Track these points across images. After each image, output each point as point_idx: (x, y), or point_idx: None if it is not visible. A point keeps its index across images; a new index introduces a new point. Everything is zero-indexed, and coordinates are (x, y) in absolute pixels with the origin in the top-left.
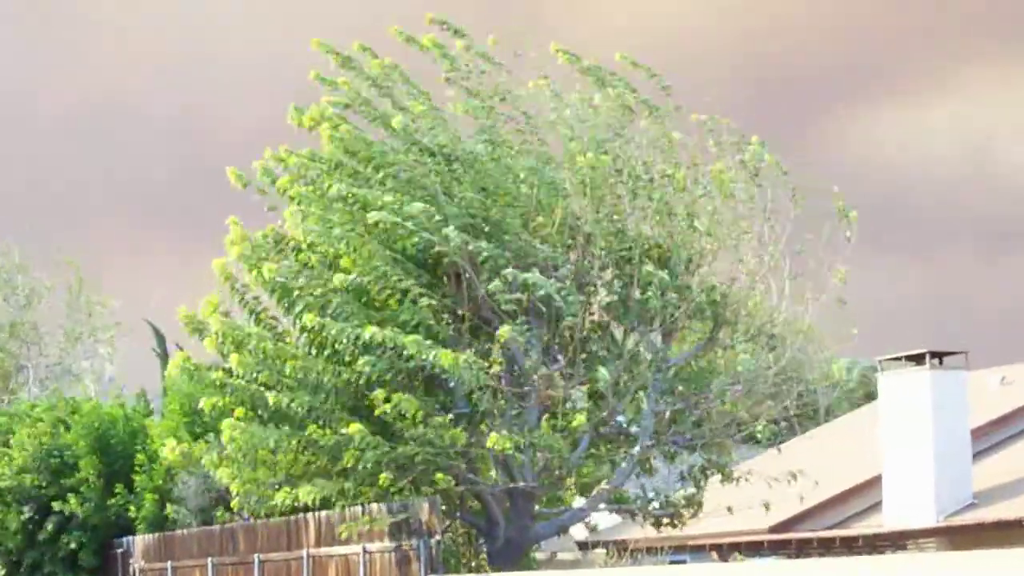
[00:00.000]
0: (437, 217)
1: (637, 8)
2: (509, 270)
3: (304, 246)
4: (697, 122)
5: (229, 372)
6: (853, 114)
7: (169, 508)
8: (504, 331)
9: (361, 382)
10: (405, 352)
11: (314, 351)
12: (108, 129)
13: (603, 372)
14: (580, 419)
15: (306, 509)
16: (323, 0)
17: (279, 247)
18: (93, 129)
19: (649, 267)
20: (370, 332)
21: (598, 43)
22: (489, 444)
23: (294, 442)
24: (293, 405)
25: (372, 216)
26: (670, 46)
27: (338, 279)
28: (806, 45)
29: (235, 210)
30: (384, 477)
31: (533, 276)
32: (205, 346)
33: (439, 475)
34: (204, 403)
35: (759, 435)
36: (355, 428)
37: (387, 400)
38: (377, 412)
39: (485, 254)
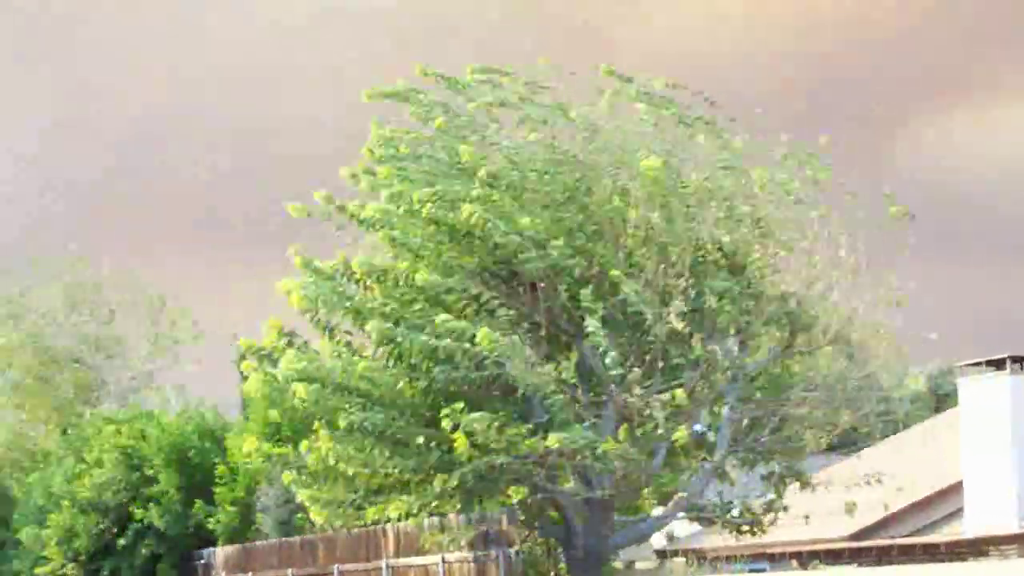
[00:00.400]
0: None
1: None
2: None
3: (373, 267)
4: (755, 137)
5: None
6: (930, 119)
7: (259, 517)
8: (594, 338)
9: (436, 389)
10: (479, 357)
11: (390, 363)
12: (179, 140)
13: (681, 392)
14: (681, 433)
15: (386, 520)
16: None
17: (349, 273)
18: (164, 138)
19: (721, 276)
20: (441, 321)
21: (655, 52)
22: (550, 443)
23: (375, 457)
24: (366, 424)
25: (465, 210)
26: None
27: (420, 277)
28: (883, 48)
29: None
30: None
31: (630, 284)
32: (282, 367)
33: (513, 487)
34: (275, 415)
35: (836, 442)
36: (461, 441)
37: (458, 418)
38: (444, 425)
39: (564, 263)
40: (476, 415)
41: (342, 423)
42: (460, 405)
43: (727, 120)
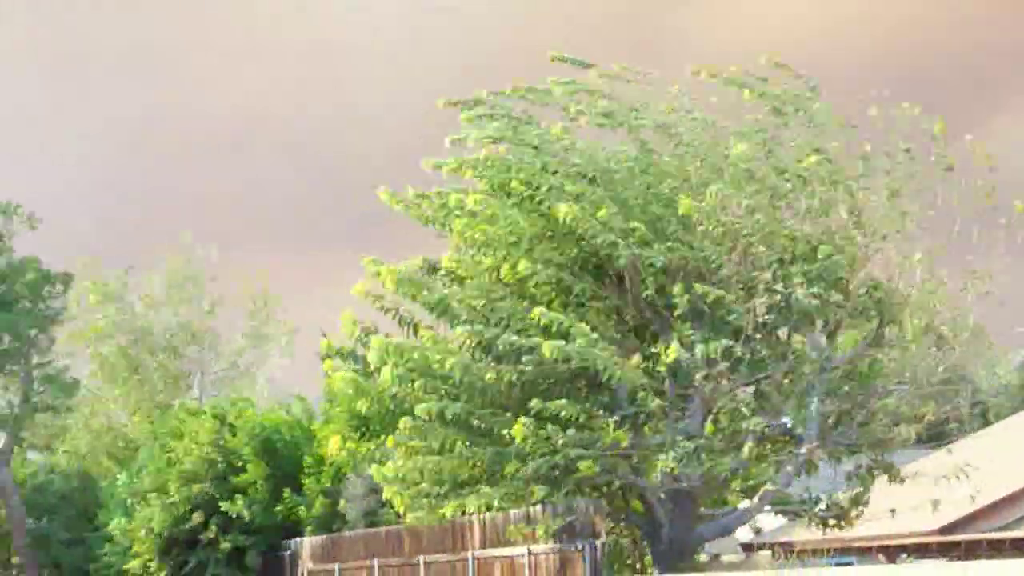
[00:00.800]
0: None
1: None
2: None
3: (465, 262)
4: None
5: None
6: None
7: (343, 503)
8: (673, 348)
9: (523, 382)
10: (568, 354)
11: (477, 355)
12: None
13: (768, 385)
14: (756, 421)
15: (470, 513)
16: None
17: (434, 271)
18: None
19: (809, 266)
20: (538, 313)
21: (734, 50)
22: (658, 467)
23: (459, 448)
24: (446, 413)
25: (561, 209)
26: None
27: (521, 265)
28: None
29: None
30: (537, 489)
31: (707, 289)
32: (368, 357)
33: (593, 474)
34: (361, 404)
35: (925, 435)
36: (518, 429)
37: (545, 405)
38: (534, 410)
39: (651, 259)
40: (563, 402)
41: (424, 411)
42: (539, 403)
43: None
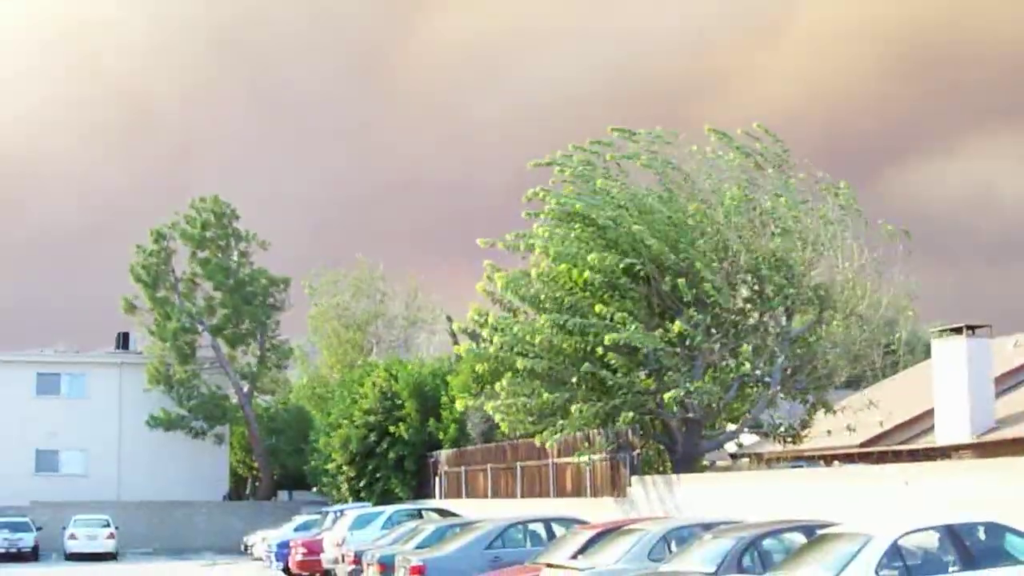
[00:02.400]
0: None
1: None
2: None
3: (547, 269)
4: (807, 176)
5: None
6: (906, 167)
7: (469, 427)
8: (678, 325)
9: (585, 348)
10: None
11: (556, 332)
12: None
13: (746, 348)
14: (734, 370)
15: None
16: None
17: (529, 276)
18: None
19: (774, 273)
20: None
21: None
22: (666, 399)
23: (542, 395)
24: (535, 368)
25: (609, 233)
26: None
27: (588, 274)
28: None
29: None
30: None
31: (711, 278)
32: (483, 331)
33: (625, 414)
34: (478, 368)
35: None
36: (579, 377)
37: (604, 357)
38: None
39: (669, 263)
40: (616, 364)
41: (521, 365)
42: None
43: (788, 158)
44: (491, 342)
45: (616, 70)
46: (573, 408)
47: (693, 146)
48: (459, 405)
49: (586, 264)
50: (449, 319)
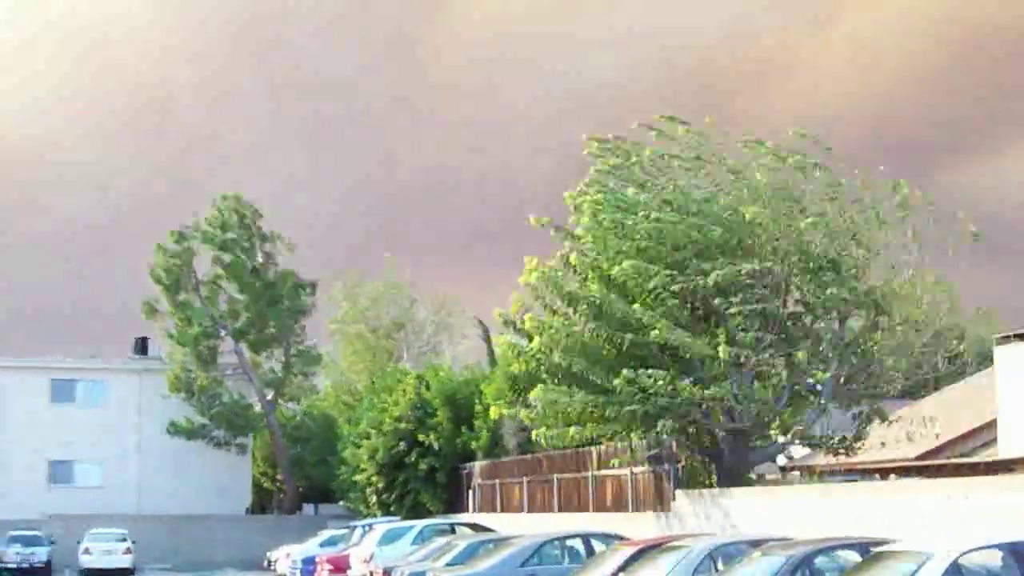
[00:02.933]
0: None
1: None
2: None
3: (586, 265)
4: (860, 174)
5: (538, 350)
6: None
7: (506, 437)
8: (724, 349)
9: (626, 352)
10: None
11: (595, 333)
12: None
13: (803, 355)
14: (781, 377)
15: (589, 444)
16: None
17: (569, 268)
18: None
19: (825, 275)
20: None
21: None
22: (706, 394)
23: (579, 398)
24: (574, 368)
25: (643, 243)
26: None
27: (617, 271)
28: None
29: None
30: (633, 428)
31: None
32: (523, 325)
33: (669, 422)
34: (515, 366)
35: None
36: (621, 379)
37: (645, 360)
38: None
39: (710, 267)
40: (657, 372)
41: (561, 363)
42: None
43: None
44: (530, 339)
45: (657, 62)
46: (610, 411)
47: (742, 143)
48: (493, 413)
49: (625, 259)
50: (483, 325)
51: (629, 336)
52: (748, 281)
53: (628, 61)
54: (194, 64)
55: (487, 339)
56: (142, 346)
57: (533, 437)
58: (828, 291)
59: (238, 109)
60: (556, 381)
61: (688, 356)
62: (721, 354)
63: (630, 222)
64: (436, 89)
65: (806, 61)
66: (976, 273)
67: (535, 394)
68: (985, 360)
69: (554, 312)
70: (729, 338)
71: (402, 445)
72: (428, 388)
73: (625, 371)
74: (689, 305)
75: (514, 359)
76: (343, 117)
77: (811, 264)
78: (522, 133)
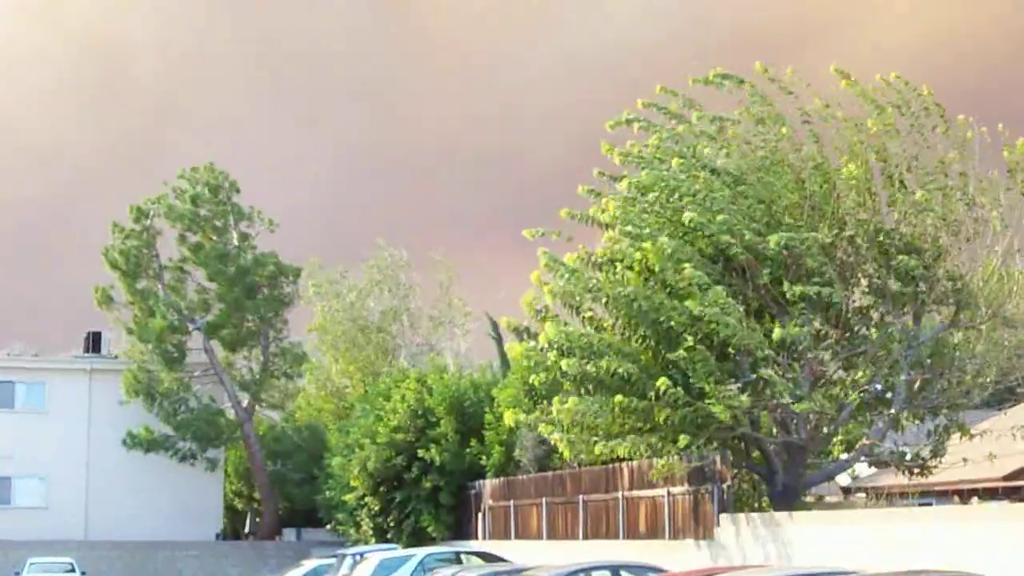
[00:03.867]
0: (732, 221)
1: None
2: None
3: (614, 255)
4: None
5: (561, 354)
6: None
7: (519, 452)
8: (788, 329)
9: (663, 354)
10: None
11: (627, 333)
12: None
13: (862, 374)
14: (853, 395)
15: (619, 460)
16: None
17: (592, 261)
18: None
19: (901, 260)
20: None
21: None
22: (772, 394)
23: (613, 407)
24: (619, 371)
25: (686, 216)
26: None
27: (653, 258)
28: None
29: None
30: (683, 438)
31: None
32: (540, 340)
33: (727, 420)
34: (534, 379)
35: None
36: (662, 381)
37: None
38: (676, 356)
39: (768, 251)
40: (700, 347)
41: (593, 371)
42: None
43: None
44: (548, 347)
45: (689, 18)
46: (658, 416)
47: (821, 104)
48: (508, 419)
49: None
50: (491, 319)
51: (669, 323)
52: (812, 261)
53: (652, 12)
54: (152, 12)
55: (497, 336)
56: (94, 342)
57: (556, 448)
58: (903, 281)
59: (207, 69)
60: (583, 392)
61: (736, 355)
62: (775, 337)
63: (675, 196)
64: (432, 58)
65: (873, 14)
66: None
67: (559, 405)
68: None
69: (578, 312)
70: (786, 337)
71: (400, 459)
72: (431, 394)
73: (664, 379)
74: (741, 298)
75: (530, 369)
76: (328, 91)
77: (886, 244)
78: (525, 109)
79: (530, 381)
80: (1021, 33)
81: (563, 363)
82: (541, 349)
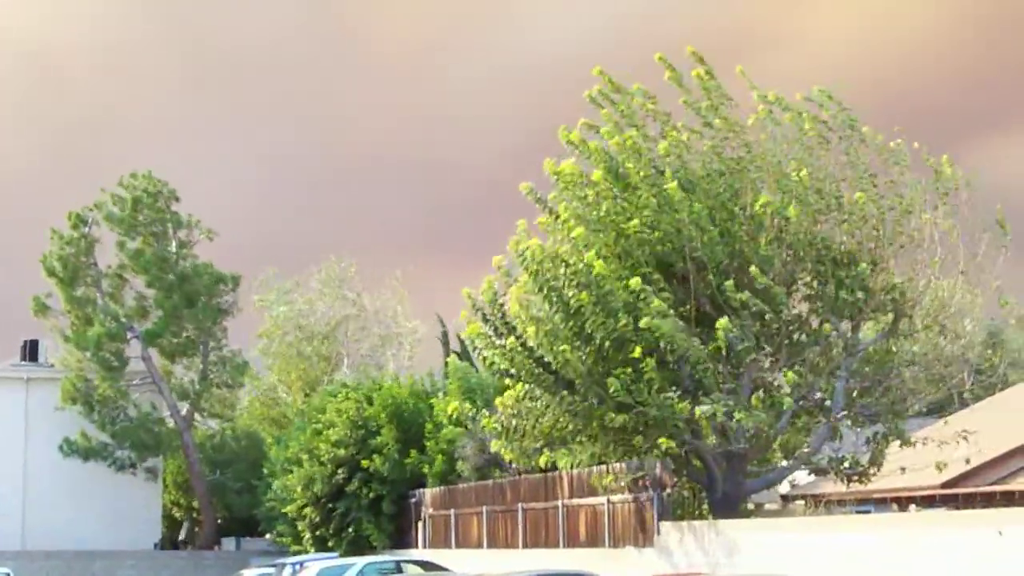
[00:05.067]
0: (678, 228)
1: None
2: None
3: (566, 253)
4: (886, 148)
5: (518, 342)
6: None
7: (461, 464)
8: (722, 323)
9: (606, 358)
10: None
11: (572, 337)
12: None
13: (791, 376)
14: (788, 401)
15: (560, 468)
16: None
17: (546, 257)
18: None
19: (841, 269)
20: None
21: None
22: (697, 414)
23: (556, 407)
24: (575, 356)
25: (631, 224)
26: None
27: (597, 266)
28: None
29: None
30: (638, 440)
31: (763, 277)
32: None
33: (664, 440)
34: (495, 364)
35: (930, 407)
36: (611, 381)
37: (639, 359)
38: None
39: (711, 258)
40: (649, 359)
41: (554, 357)
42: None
43: (859, 140)
44: (526, 340)
45: (632, 25)
46: (608, 417)
47: (758, 108)
48: (450, 409)
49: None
50: (441, 320)
51: (620, 325)
52: (755, 270)
53: (594, 21)
54: (84, 18)
55: (445, 341)
56: (31, 350)
57: (498, 456)
58: (842, 290)
59: (140, 76)
60: (535, 384)
61: (675, 362)
62: (719, 340)
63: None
64: (377, 62)
65: (810, 28)
66: (1015, 272)
67: (506, 398)
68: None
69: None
70: (726, 342)
71: (342, 472)
72: (371, 403)
73: (613, 375)
74: (681, 305)
75: (488, 352)
76: (270, 96)
77: (823, 255)
78: (474, 113)
79: (470, 382)
80: (956, 43)
81: (529, 330)
82: (497, 331)
